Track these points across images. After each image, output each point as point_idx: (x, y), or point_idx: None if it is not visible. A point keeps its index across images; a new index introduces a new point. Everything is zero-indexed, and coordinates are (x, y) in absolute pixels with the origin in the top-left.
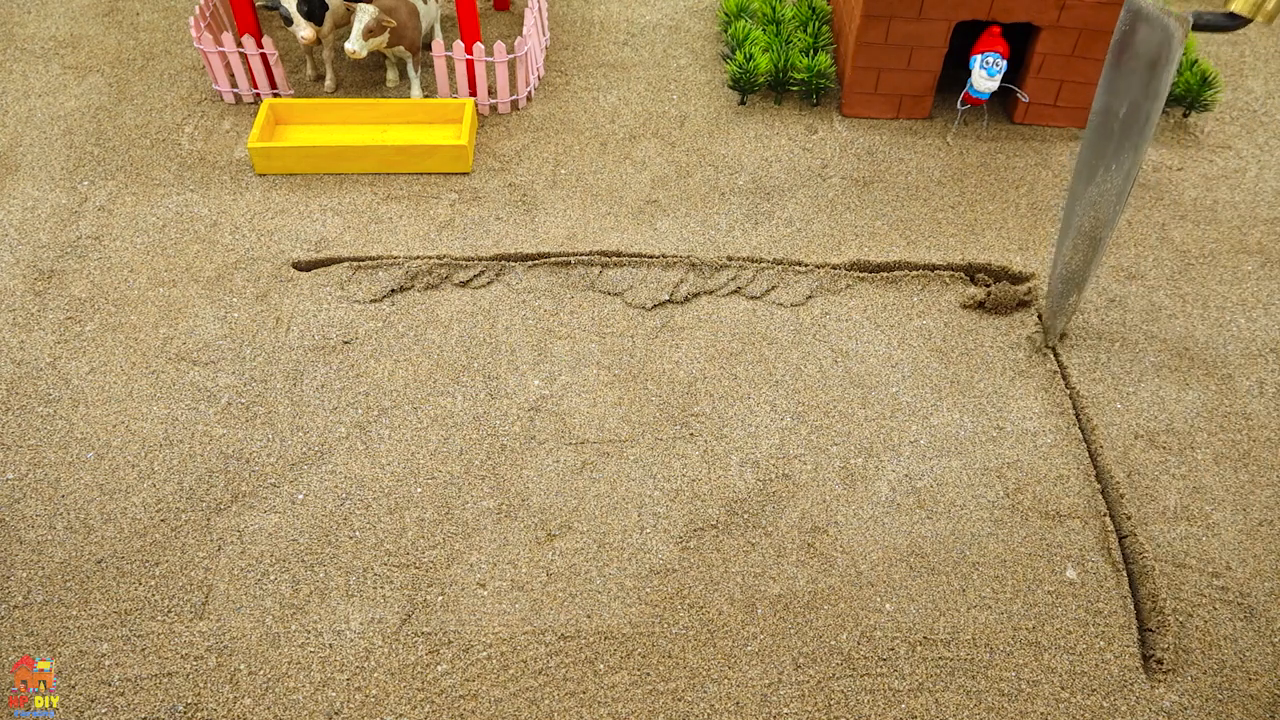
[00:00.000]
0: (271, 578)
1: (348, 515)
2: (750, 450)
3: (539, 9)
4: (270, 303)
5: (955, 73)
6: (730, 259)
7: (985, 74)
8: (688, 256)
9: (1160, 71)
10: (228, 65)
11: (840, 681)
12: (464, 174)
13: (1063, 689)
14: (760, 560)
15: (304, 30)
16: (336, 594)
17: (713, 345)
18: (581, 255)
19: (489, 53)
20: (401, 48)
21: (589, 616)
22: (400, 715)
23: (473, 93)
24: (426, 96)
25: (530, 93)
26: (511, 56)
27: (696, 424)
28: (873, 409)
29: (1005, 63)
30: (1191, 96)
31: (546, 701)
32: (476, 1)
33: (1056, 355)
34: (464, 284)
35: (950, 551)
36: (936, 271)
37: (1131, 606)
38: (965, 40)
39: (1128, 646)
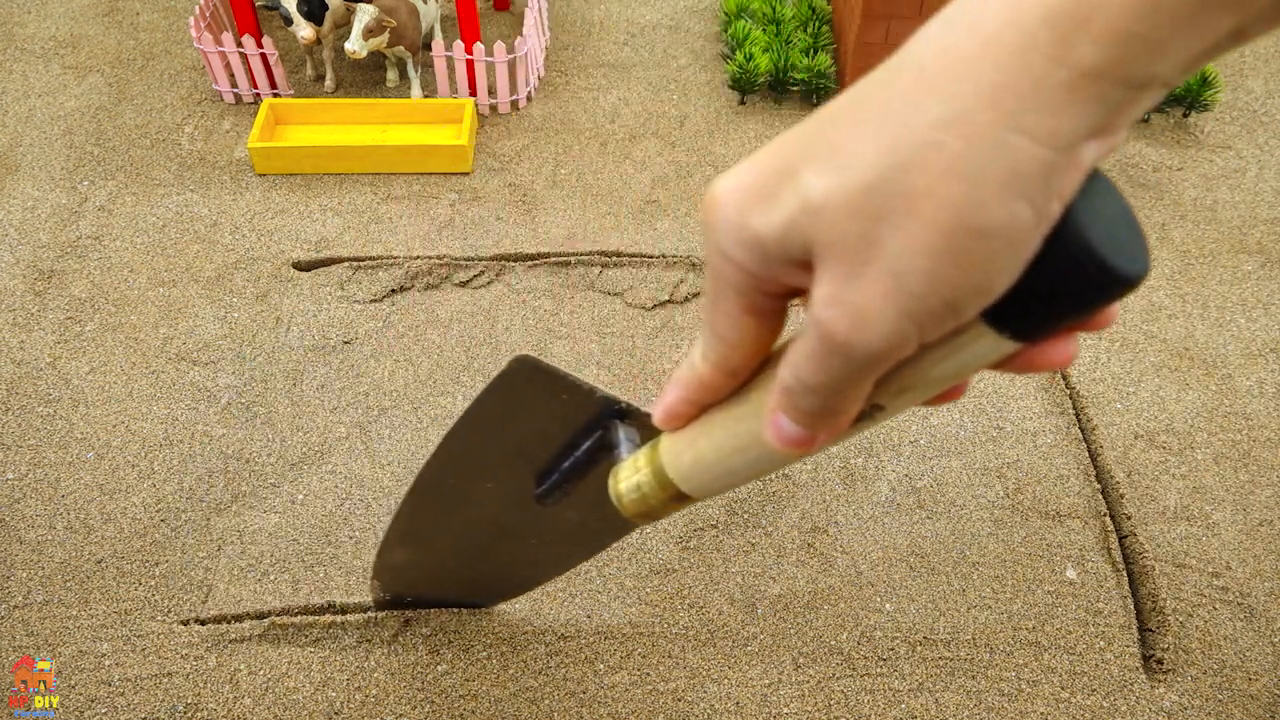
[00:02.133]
0: (271, 578)
1: (348, 515)
2: None
3: (539, 9)
4: (270, 303)
5: None
6: None
7: None
8: (688, 256)
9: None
10: (228, 65)
11: (840, 681)
12: (464, 174)
13: (1063, 689)
14: (760, 560)
15: (304, 30)
16: (336, 594)
17: None
18: (581, 255)
19: (489, 53)
20: (401, 48)
21: (589, 616)
22: (400, 715)
23: (473, 93)
24: (426, 96)
25: (530, 93)
26: (511, 56)
27: None
28: None
29: None
30: (1191, 96)
31: (546, 701)
32: (476, 1)
33: None
34: (464, 284)
35: (950, 551)
36: None
37: (1131, 606)
38: None
39: (1128, 646)
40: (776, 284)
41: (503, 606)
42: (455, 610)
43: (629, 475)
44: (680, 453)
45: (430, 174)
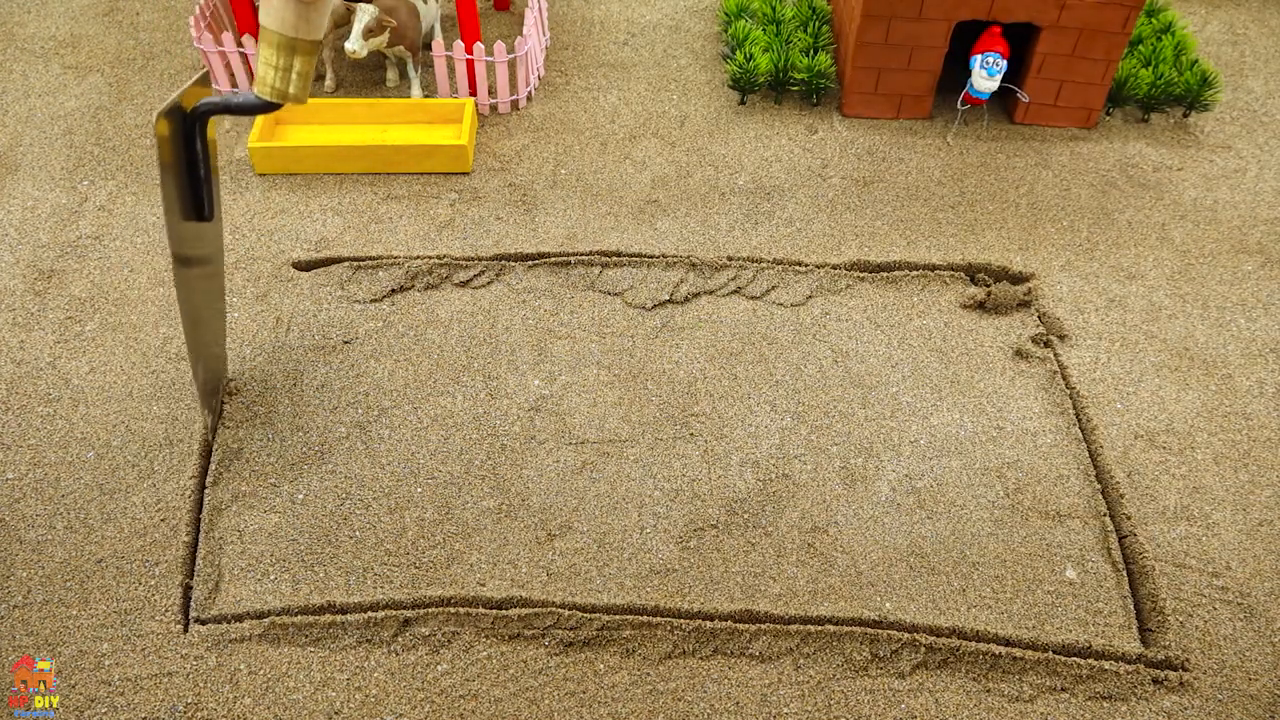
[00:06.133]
0: (272, 577)
1: (348, 515)
2: (750, 450)
3: (539, 9)
4: (270, 303)
5: (955, 73)
6: (730, 259)
7: (985, 74)
8: (688, 256)
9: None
10: (228, 65)
11: (840, 682)
12: (464, 174)
13: (1063, 689)
14: (760, 560)
15: None
16: (337, 593)
17: (713, 345)
18: (581, 255)
19: (489, 53)
20: (401, 48)
21: (589, 616)
22: (400, 715)
23: (473, 93)
24: (426, 96)
25: (530, 93)
26: (511, 56)
27: (696, 424)
28: (873, 409)
29: (1005, 63)
30: (1191, 96)
31: (546, 701)
32: (476, 1)
33: (1057, 355)
34: (464, 284)
35: (950, 551)
36: (936, 271)
37: (1131, 606)
38: (965, 40)
39: (1128, 646)
40: None
41: (502, 607)
42: (455, 610)
43: (262, 75)
44: (267, 13)
45: (430, 174)
